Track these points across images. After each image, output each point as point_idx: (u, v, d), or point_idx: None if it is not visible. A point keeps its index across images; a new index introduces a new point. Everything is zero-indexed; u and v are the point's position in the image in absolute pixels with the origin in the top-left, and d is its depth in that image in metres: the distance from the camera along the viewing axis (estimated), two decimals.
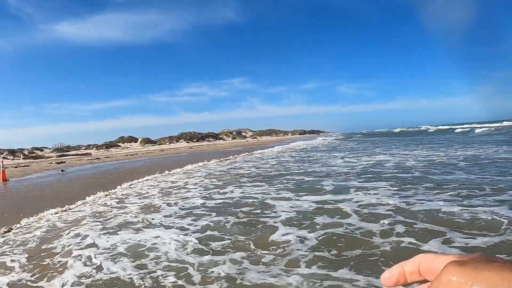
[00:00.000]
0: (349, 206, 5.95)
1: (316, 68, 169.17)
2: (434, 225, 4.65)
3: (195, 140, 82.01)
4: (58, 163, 27.45)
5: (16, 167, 25.78)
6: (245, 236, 4.83)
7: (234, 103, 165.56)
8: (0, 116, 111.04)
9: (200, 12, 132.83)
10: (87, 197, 8.90)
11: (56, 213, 7.28)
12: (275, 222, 5.39)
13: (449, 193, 6.41)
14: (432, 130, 54.62)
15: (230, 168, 14.45)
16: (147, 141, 75.20)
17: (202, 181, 10.97)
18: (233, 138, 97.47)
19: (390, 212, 5.42)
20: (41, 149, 56.45)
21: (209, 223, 5.65)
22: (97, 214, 7.04)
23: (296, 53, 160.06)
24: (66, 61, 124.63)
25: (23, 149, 55.02)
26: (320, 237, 4.55)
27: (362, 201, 6.30)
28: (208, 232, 5.17)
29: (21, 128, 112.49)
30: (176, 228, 5.55)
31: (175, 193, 8.97)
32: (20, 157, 42.28)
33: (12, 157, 41.94)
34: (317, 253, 4.02)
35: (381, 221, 4.99)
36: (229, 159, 20.38)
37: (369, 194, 6.88)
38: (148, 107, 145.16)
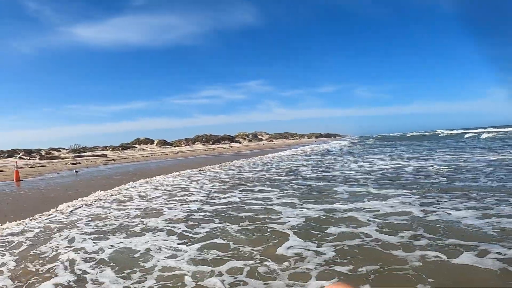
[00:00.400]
0: (365, 215, 5.45)
1: (332, 72, 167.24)
2: (462, 237, 4.11)
3: (211, 143, 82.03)
4: (73, 164, 27.59)
5: (31, 167, 26.00)
6: (250, 246, 4.37)
7: (250, 105, 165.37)
8: (20, 117, 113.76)
9: (218, 16, 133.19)
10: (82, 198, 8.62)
11: (49, 215, 6.98)
12: (283, 229, 4.95)
13: (476, 201, 5.82)
14: (444, 134, 53.63)
15: (239, 172, 14.03)
16: (163, 143, 75.61)
17: (208, 184, 10.60)
18: (249, 141, 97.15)
19: (411, 222, 4.91)
20: (58, 150, 57.35)
21: (211, 230, 5.24)
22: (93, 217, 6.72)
23: (313, 56, 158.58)
24: (84, 63, 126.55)
25: (40, 150, 56.11)
26: (333, 249, 4.06)
27: (379, 209, 5.77)
28: (210, 240, 4.76)
29: (40, 129, 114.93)
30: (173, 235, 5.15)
31: (178, 196, 8.62)
32: (36, 157, 42.95)
33: (28, 158, 42.70)
34: (330, 267, 3.55)
35: (402, 232, 4.48)
36: (240, 161, 20.02)
37: (387, 201, 6.33)
38: (164, 109, 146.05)
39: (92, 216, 6.77)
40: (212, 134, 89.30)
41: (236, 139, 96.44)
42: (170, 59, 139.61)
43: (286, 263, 3.71)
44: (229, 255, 4.08)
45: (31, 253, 4.65)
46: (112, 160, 32.32)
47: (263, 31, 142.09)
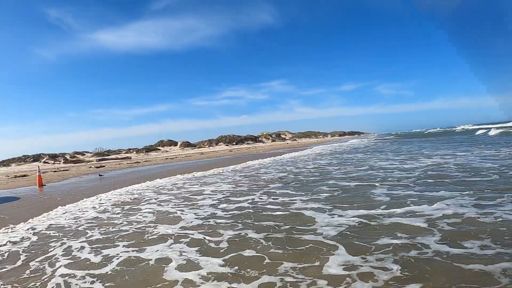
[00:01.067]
0: (416, 222, 4.52)
1: (354, 69, 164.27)
2: None
3: (234, 143, 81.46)
4: (97, 167, 27.36)
5: (55, 171, 25.90)
6: (288, 261, 3.53)
7: (272, 105, 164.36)
8: (46, 122, 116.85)
9: (237, 17, 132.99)
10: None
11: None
12: (323, 240, 4.10)
13: None
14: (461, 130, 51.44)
15: (264, 173, 13.04)
16: (187, 144, 75.57)
17: (228, 186, 9.65)
18: (273, 141, 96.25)
19: (473, 228, 4.05)
20: (82, 154, 58.06)
21: (235, 238, 4.35)
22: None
23: (333, 55, 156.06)
24: (106, 68, 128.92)
25: (65, 154, 57.01)
26: (396, 264, 3.21)
27: (431, 214, 4.81)
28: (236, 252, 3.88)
29: (65, 134, 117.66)
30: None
31: (192, 199, 7.73)
32: (61, 161, 43.32)
33: (53, 162, 43.12)
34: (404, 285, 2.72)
35: (467, 241, 3.62)
36: (268, 159, 19.04)
37: (438, 205, 5.32)
38: (187, 111, 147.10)
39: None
40: (235, 135, 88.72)
41: (259, 139, 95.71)
42: (191, 61, 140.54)
43: (345, 285, 2.87)
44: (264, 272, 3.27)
45: None
46: (136, 162, 32.00)
47: (283, 31, 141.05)
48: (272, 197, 7.26)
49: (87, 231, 5.60)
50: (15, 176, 24.21)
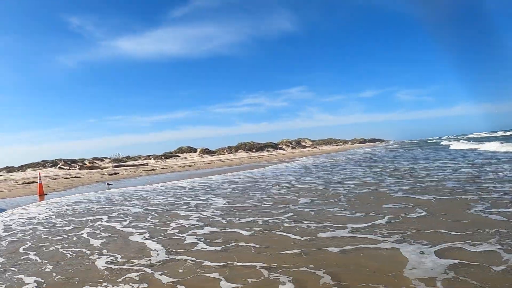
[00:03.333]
0: None
1: (374, 76, 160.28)
2: None
3: (254, 150, 79.13)
4: (110, 174, 25.22)
5: (66, 178, 23.86)
6: None
7: (291, 112, 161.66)
8: (66, 128, 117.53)
9: (256, 24, 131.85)
10: None
11: None
12: None
13: None
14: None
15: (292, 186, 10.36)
16: (206, 151, 73.63)
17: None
18: (293, 148, 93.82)
19: None
20: (101, 159, 56.83)
21: None
22: None
23: (353, 61, 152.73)
24: (126, 75, 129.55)
25: (84, 159, 55.87)
26: None
27: None
28: None
29: (85, 140, 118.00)
30: None
31: None
32: (76, 167, 41.63)
33: (68, 167, 41.52)
34: None
35: None
36: (301, 160, 16.37)
37: None
38: (206, 118, 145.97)
39: None
40: (255, 142, 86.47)
41: (279, 146, 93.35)
42: (210, 69, 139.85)
43: None
44: None
45: None
46: (152, 170, 29.79)
47: (302, 37, 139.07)
48: None
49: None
50: (23, 183, 22.33)
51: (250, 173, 17.79)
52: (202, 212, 6.82)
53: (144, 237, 5.11)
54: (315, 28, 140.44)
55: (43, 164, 55.83)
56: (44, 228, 6.54)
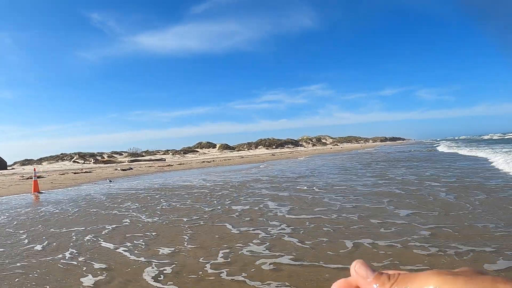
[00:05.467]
0: None
1: (394, 74, 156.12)
2: None
3: (274, 147, 76.83)
4: (123, 169, 23.24)
5: (75, 173, 21.99)
6: None
7: (311, 110, 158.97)
8: (88, 122, 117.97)
9: (277, 21, 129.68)
10: None
11: None
12: None
13: None
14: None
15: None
16: (225, 147, 71.66)
17: None
18: (313, 145, 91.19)
19: None
20: (120, 153, 55.68)
21: None
22: None
23: (374, 59, 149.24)
24: (148, 71, 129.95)
25: (103, 153, 54.72)
26: None
27: None
28: None
29: (106, 134, 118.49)
30: None
31: None
32: (91, 161, 40.11)
33: (82, 161, 40.04)
34: None
35: None
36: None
37: None
38: (226, 114, 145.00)
39: None
40: (275, 138, 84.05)
41: (300, 143, 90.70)
42: (231, 65, 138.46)
43: None
44: None
45: None
46: (168, 165, 27.69)
47: (323, 34, 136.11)
48: None
49: None
50: (29, 177, 20.61)
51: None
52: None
53: None
54: (337, 26, 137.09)
55: (61, 157, 54.98)
56: None
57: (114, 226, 5.60)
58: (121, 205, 7.90)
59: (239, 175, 14.22)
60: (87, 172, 22.78)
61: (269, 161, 27.25)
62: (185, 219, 5.80)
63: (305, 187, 8.93)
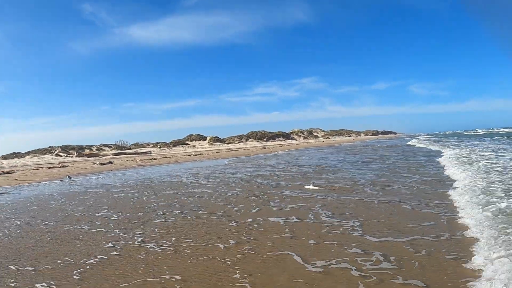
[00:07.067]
0: None
1: (387, 68, 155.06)
2: None
3: (265, 140, 75.79)
4: (102, 164, 22.13)
5: (50, 168, 20.85)
6: None
7: (303, 103, 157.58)
8: (80, 115, 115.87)
9: (270, 14, 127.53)
10: None
11: None
12: None
13: None
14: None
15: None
16: (216, 139, 70.46)
17: None
18: (305, 138, 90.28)
19: None
20: (109, 146, 54.39)
21: None
22: None
23: (366, 52, 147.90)
24: (139, 63, 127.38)
25: (92, 146, 53.42)
26: None
27: None
28: None
29: (97, 126, 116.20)
30: None
31: None
32: (73, 155, 38.72)
33: (65, 155, 38.70)
34: None
35: None
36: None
37: None
38: (218, 107, 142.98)
39: None
40: (266, 131, 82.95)
41: (291, 136, 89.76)
42: (223, 58, 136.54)
43: None
44: None
45: None
46: (151, 159, 26.62)
47: (316, 28, 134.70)
48: None
49: None
50: (2, 172, 19.46)
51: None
52: None
53: None
54: (330, 19, 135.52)
55: (49, 150, 53.50)
56: None
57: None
58: (66, 209, 6.91)
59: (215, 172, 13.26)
60: (63, 166, 21.65)
61: (254, 156, 26.31)
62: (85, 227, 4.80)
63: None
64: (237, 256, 3.74)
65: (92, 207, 7.16)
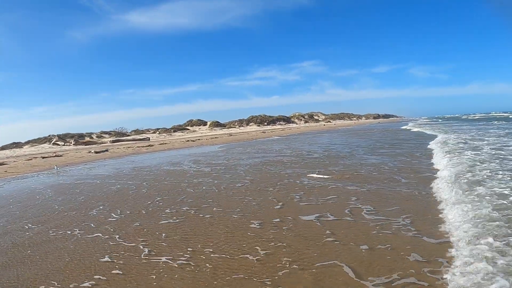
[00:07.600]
0: None
1: (387, 51, 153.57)
2: None
3: (265, 124, 74.71)
4: (97, 152, 21.16)
5: (44, 157, 19.86)
6: None
7: (304, 86, 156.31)
8: (80, 103, 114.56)
9: None
10: None
11: None
12: None
13: None
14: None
15: None
16: (216, 124, 69.37)
17: None
18: (305, 122, 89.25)
19: None
20: (109, 133, 53.50)
21: None
22: None
23: (366, 35, 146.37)
24: (138, 49, 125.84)
25: (92, 133, 52.49)
26: None
27: None
28: None
29: (98, 113, 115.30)
30: None
31: None
32: (71, 143, 37.65)
33: (62, 143, 37.67)
34: None
35: None
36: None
37: None
38: (218, 91, 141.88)
39: None
40: (267, 115, 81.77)
41: (291, 120, 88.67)
42: (223, 42, 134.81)
43: None
44: None
45: None
46: (148, 146, 25.63)
47: (316, 11, 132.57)
48: None
49: None
50: None
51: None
52: None
53: None
54: (329, 2, 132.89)
55: (49, 139, 52.46)
56: None
57: None
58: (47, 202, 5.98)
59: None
60: (58, 156, 20.67)
61: (254, 140, 25.32)
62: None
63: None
64: (278, 273, 2.82)
65: (84, 203, 6.23)
